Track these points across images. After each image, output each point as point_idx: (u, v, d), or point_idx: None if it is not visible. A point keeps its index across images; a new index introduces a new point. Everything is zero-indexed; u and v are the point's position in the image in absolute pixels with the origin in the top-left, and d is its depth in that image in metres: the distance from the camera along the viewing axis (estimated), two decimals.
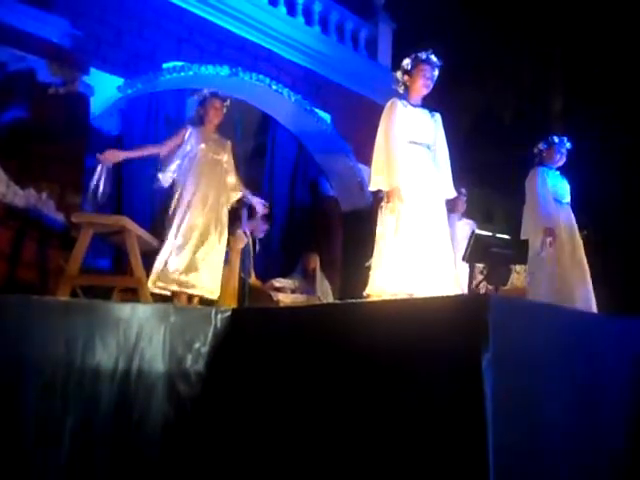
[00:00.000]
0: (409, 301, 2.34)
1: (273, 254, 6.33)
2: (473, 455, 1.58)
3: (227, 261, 4.19)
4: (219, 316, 2.45)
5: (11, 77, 4.33)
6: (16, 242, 4.11)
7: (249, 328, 2.48)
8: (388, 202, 3.14)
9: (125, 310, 2.32)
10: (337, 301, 4.88)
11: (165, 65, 5.32)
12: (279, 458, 2.12)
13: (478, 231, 4.61)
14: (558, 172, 4.42)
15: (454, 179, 3.45)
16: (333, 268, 6.51)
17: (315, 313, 2.36)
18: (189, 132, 3.98)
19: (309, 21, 6.45)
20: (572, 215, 4.33)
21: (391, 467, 1.78)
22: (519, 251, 4.04)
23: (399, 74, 3.42)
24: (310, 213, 6.74)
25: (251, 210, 4.35)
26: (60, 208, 4.34)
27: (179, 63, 5.40)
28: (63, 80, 4.57)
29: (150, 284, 3.66)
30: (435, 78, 3.38)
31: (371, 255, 3.20)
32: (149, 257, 4.18)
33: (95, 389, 2.18)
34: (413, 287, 3.03)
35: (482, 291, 4.47)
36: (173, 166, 3.90)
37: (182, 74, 5.41)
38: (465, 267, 4.59)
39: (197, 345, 2.39)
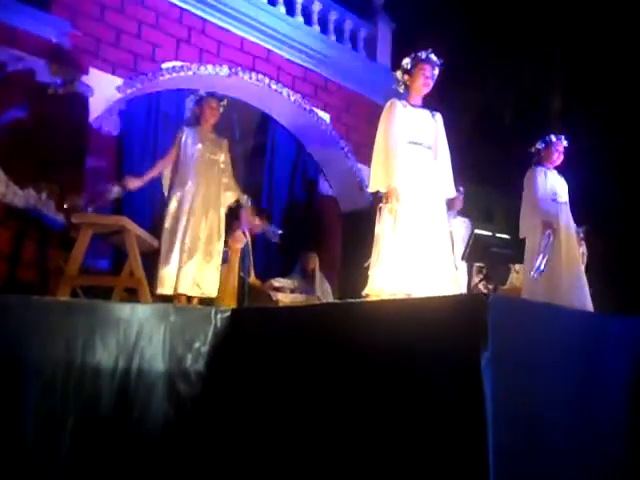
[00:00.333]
0: (408, 301, 2.35)
1: (272, 254, 6.33)
2: (473, 455, 1.59)
3: (226, 260, 4.19)
4: (219, 316, 2.45)
5: (10, 77, 4.33)
6: (16, 242, 4.12)
7: (249, 328, 2.48)
8: (386, 202, 3.14)
9: (125, 310, 2.33)
10: (336, 301, 4.88)
11: (164, 65, 5.32)
12: (279, 457, 2.12)
13: (477, 231, 4.61)
14: (556, 171, 4.42)
15: (454, 178, 3.46)
16: (332, 268, 6.51)
17: (314, 313, 2.36)
18: (185, 134, 3.99)
19: (308, 21, 6.44)
20: (569, 214, 4.33)
21: (391, 467, 1.78)
22: (518, 250, 4.04)
23: (399, 74, 3.42)
24: (309, 213, 6.74)
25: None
26: (60, 208, 4.34)
27: (178, 63, 5.40)
28: (62, 80, 4.58)
29: (168, 290, 3.73)
30: (435, 77, 3.37)
31: (370, 255, 3.20)
32: (149, 257, 4.19)
33: (95, 388, 2.19)
34: (412, 287, 3.03)
35: (481, 291, 4.47)
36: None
37: (181, 74, 5.41)
38: (464, 267, 4.61)
39: (197, 345, 2.40)
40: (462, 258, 4.52)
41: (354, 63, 6.76)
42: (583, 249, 4.41)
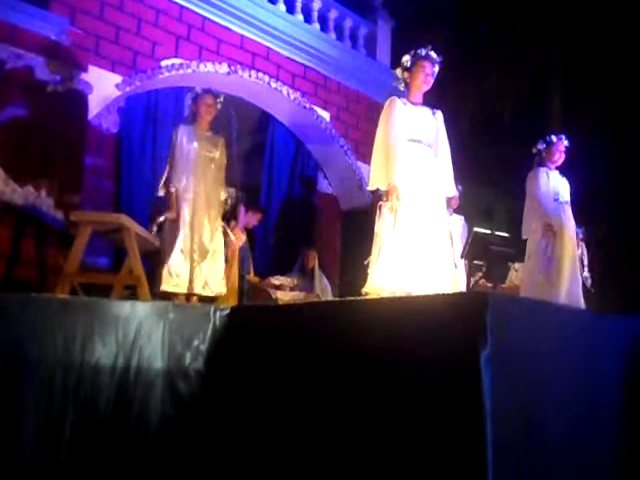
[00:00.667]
0: (407, 299, 2.34)
1: (272, 252, 6.33)
2: (471, 453, 1.59)
3: (225, 259, 4.20)
4: (218, 314, 2.45)
5: (9, 75, 4.32)
6: (15, 240, 4.11)
7: (248, 326, 2.48)
8: (386, 200, 3.14)
9: (124, 308, 2.32)
10: (336, 299, 4.88)
11: (164, 63, 5.31)
12: (278, 456, 2.12)
13: (477, 229, 4.62)
14: (558, 171, 4.43)
15: (453, 176, 3.45)
16: (332, 266, 6.52)
17: (314, 311, 2.36)
18: (180, 132, 3.99)
19: (308, 19, 6.44)
20: (571, 215, 4.34)
21: (389, 465, 1.78)
22: (517, 249, 4.04)
23: (399, 71, 3.42)
24: (309, 211, 6.74)
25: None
26: (59, 206, 4.34)
27: (178, 61, 5.40)
28: (61, 78, 4.57)
29: (172, 287, 3.75)
30: (435, 74, 3.37)
31: (369, 253, 3.20)
32: (149, 255, 4.19)
33: (94, 386, 2.19)
34: (411, 285, 3.03)
35: (480, 289, 4.48)
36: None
37: (181, 72, 5.40)
38: (463, 265, 4.61)
39: (196, 343, 2.40)
40: (461, 256, 4.53)
41: (354, 61, 6.76)
42: (582, 250, 4.41)
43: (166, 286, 3.76)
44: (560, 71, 8.13)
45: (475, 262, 4.66)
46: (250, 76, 5.84)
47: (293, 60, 6.28)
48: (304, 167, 6.77)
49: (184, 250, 3.81)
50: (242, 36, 5.89)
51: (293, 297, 5.20)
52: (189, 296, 3.86)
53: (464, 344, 1.66)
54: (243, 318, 2.51)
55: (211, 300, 3.91)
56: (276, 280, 5.43)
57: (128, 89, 5.06)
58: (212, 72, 5.58)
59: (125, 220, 3.49)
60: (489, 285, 4.51)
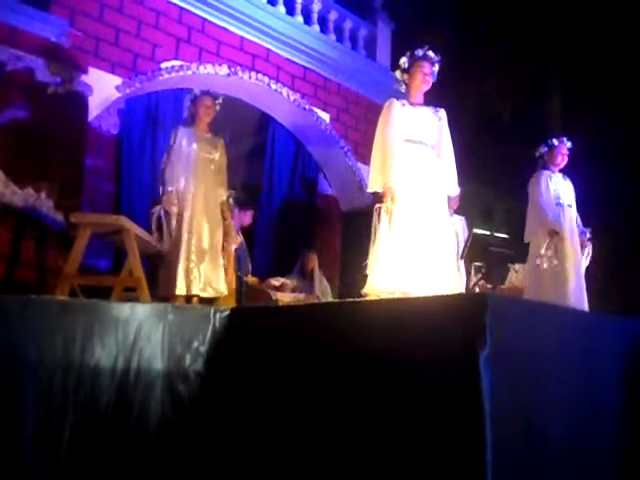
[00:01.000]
0: (407, 300, 2.35)
1: (272, 253, 6.33)
2: (471, 454, 1.59)
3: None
4: (218, 315, 2.45)
5: (10, 77, 4.33)
6: (14, 242, 4.11)
7: (248, 327, 2.48)
8: (383, 202, 3.15)
9: (124, 309, 2.32)
10: (336, 300, 4.88)
11: (164, 65, 5.32)
12: (278, 456, 2.12)
13: (476, 230, 4.62)
14: (561, 174, 4.43)
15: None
16: (332, 267, 6.52)
17: (314, 312, 2.36)
18: (179, 133, 4.00)
19: (308, 20, 6.44)
20: (574, 218, 4.34)
21: (390, 466, 1.78)
22: (517, 250, 4.05)
23: (398, 73, 3.42)
24: (309, 212, 6.74)
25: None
26: (59, 208, 4.34)
27: (178, 63, 5.40)
28: (62, 79, 4.57)
29: (180, 290, 3.75)
30: (435, 73, 3.37)
31: (369, 254, 3.20)
32: (149, 258, 4.19)
33: (94, 388, 2.18)
34: (409, 286, 3.03)
35: (480, 290, 4.48)
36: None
37: (181, 74, 5.41)
38: (462, 266, 4.61)
39: (196, 344, 2.40)
40: (460, 257, 4.53)
41: (354, 63, 6.76)
42: (589, 250, 4.40)
43: (179, 290, 3.79)
44: (560, 72, 8.14)
45: (474, 263, 4.67)
46: (250, 78, 5.85)
47: (293, 62, 6.28)
48: (304, 168, 6.78)
49: (188, 252, 3.81)
50: (242, 38, 5.89)
51: (293, 298, 5.20)
52: (189, 298, 3.86)
53: (463, 345, 1.66)
54: (243, 319, 2.52)
55: (210, 302, 3.91)
56: (276, 281, 5.43)
57: (128, 91, 5.06)
58: (212, 74, 5.59)
59: (125, 222, 3.49)
60: (488, 286, 4.51)
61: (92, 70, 4.83)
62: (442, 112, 3.40)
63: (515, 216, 4.45)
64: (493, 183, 7.24)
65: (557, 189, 4.32)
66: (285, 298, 5.13)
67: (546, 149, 4.44)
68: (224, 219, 4.03)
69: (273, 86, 6.03)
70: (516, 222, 4.42)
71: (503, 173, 6.76)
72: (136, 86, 5.11)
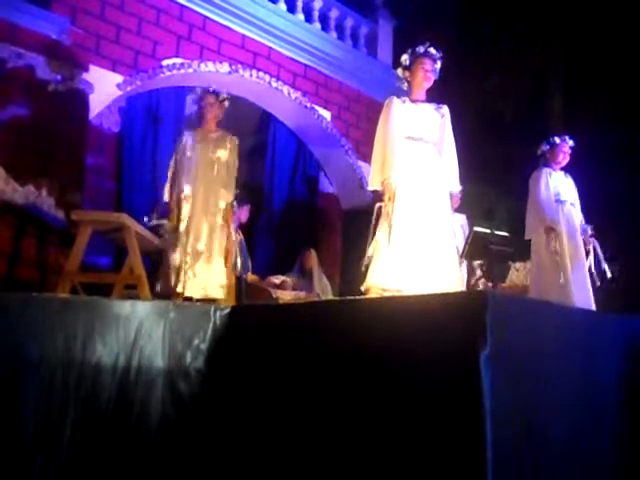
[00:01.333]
0: (407, 298, 2.34)
1: (273, 251, 6.33)
2: (471, 453, 1.59)
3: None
4: (218, 313, 2.45)
5: (10, 74, 4.33)
6: (15, 239, 4.11)
7: (248, 325, 2.48)
8: (382, 199, 3.16)
9: (125, 307, 2.32)
10: (336, 298, 4.88)
11: (165, 62, 5.32)
12: (279, 455, 2.12)
13: (477, 228, 4.62)
14: (562, 172, 4.43)
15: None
16: (333, 265, 6.52)
17: (314, 310, 2.36)
18: (183, 139, 3.98)
19: (309, 18, 6.44)
20: (575, 215, 4.33)
21: (389, 465, 1.78)
22: (517, 248, 4.04)
23: (400, 71, 3.41)
24: (310, 210, 6.75)
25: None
26: (60, 205, 4.34)
27: (179, 60, 5.40)
28: (62, 77, 4.57)
29: (190, 292, 3.74)
30: (437, 70, 3.36)
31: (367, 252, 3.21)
32: (150, 255, 4.20)
33: (95, 386, 2.19)
34: (409, 284, 3.03)
35: (480, 288, 4.48)
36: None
37: (182, 71, 5.41)
38: (463, 264, 4.60)
39: (196, 342, 2.40)
40: (461, 255, 4.53)
41: (355, 60, 6.75)
42: (595, 244, 4.37)
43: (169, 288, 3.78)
44: (562, 70, 8.12)
45: (475, 261, 4.67)
46: (251, 76, 5.85)
47: (294, 59, 6.28)
48: (305, 167, 6.78)
49: (184, 253, 3.80)
50: (243, 36, 5.89)
51: (293, 297, 5.20)
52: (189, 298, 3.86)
53: (464, 344, 1.66)
54: (243, 317, 2.52)
55: (211, 300, 3.90)
56: (276, 279, 5.43)
57: (129, 89, 5.07)
58: (213, 72, 5.59)
59: (126, 219, 3.49)
60: (489, 284, 4.52)
61: (93, 68, 4.83)
62: (445, 109, 3.38)
63: (516, 215, 4.45)
64: (494, 181, 7.23)
65: (557, 186, 4.32)
66: (285, 296, 5.13)
67: (548, 147, 4.44)
68: (226, 223, 3.90)
69: (274, 84, 6.02)
70: (517, 220, 4.41)
71: (504, 171, 6.76)
72: (137, 84, 5.11)
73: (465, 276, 4.60)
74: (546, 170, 4.35)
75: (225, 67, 5.66)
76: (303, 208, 6.66)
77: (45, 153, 4.37)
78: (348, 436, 1.91)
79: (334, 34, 6.65)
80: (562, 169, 4.43)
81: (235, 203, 4.00)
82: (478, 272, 4.73)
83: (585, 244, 4.28)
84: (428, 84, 3.37)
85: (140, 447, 2.22)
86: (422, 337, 1.80)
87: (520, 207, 4.45)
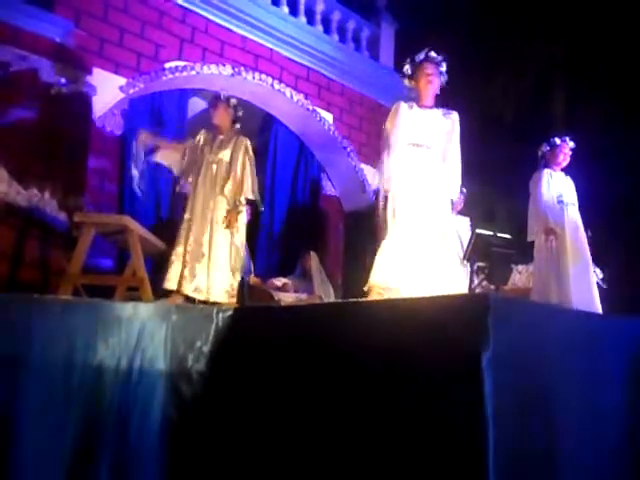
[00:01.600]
0: (409, 300, 2.34)
1: (275, 254, 6.34)
2: (473, 457, 1.58)
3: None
4: (220, 315, 2.45)
5: (14, 77, 4.34)
6: (18, 241, 4.12)
7: (250, 327, 2.48)
8: (384, 205, 3.19)
9: (127, 309, 2.33)
10: (338, 300, 4.88)
11: (167, 65, 5.33)
12: (281, 456, 2.12)
13: (479, 230, 4.62)
14: (562, 173, 4.43)
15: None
16: (334, 267, 6.52)
17: (316, 312, 2.36)
18: (198, 137, 4.04)
19: (311, 21, 6.45)
20: (577, 216, 4.33)
21: (391, 468, 1.78)
22: (520, 250, 4.04)
23: (406, 81, 3.43)
24: (312, 212, 6.75)
25: None
26: (62, 207, 4.35)
27: (181, 63, 5.41)
28: (66, 80, 4.59)
29: (187, 291, 3.74)
30: (442, 72, 3.36)
31: (372, 254, 3.23)
32: (154, 257, 4.21)
33: (97, 388, 2.19)
34: (410, 286, 3.05)
35: (482, 290, 4.47)
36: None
37: (184, 74, 5.42)
38: (466, 266, 4.59)
39: (199, 344, 2.40)
40: (463, 258, 4.53)
41: (357, 63, 6.76)
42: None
43: (167, 284, 3.78)
44: (565, 72, 8.12)
45: (477, 264, 4.66)
46: (253, 78, 5.86)
47: (296, 62, 6.29)
48: (307, 169, 6.78)
49: (184, 254, 3.80)
50: (245, 38, 5.90)
51: (295, 299, 5.20)
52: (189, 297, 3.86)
53: (466, 346, 1.66)
54: (245, 319, 2.52)
55: (213, 302, 3.90)
56: (278, 281, 5.43)
57: (132, 91, 5.08)
58: (216, 74, 5.60)
59: (128, 222, 3.50)
60: (491, 287, 4.51)
61: (96, 70, 4.84)
62: (454, 115, 3.37)
63: (518, 217, 4.45)
64: (496, 183, 7.23)
65: (558, 187, 4.32)
66: (287, 298, 5.13)
67: (548, 148, 4.44)
68: (229, 224, 3.84)
69: (276, 86, 6.03)
70: (519, 223, 4.42)
71: (506, 173, 6.74)
72: (140, 86, 5.12)
73: (467, 278, 4.60)
74: (547, 171, 4.35)
75: (227, 69, 5.67)
76: (305, 210, 6.66)
77: (48, 156, 4.39)
78: (351, 438, 1.91)
79: (336, 37, 6.66)
80: (562, 170, 4.43)
81: (242, 202, 3.90)
82: (480, 275, 4.72)
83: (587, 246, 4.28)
84: (433, 88, 3.36)
85: (142, 448, 2.22)
86: (424, 339, 1.80)
87: (522, 209, 4.45)
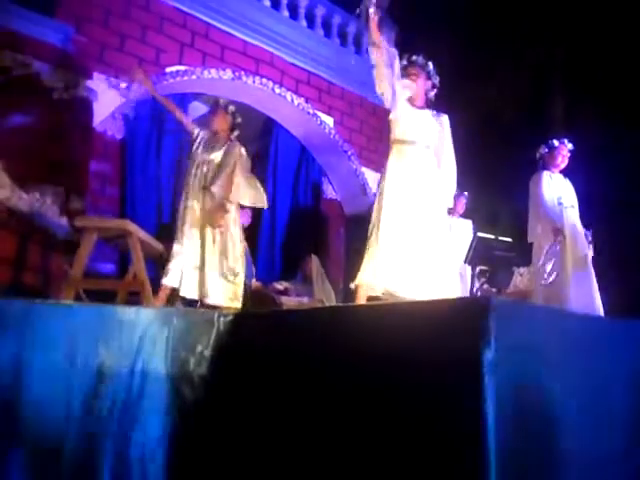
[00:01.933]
0: (410, 304, 2.34)
1: (275, 258, 6.34)
2: (475, 461, 1.58)
3: None
4: (222, 319, 2.45)
5: (15, 82, 4.35)
6: (20, 246, 4.13)
7: (252, 331, 2.48)
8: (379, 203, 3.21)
9: (128, 313, 2.33)
10: (339, 304, 4.88)
11: (168, 69, 5.34)
12: (281, 462, 2.12)
13: (480, 234, 4.62)
14: (561, 175, 4.42)
15: (458, 180, 3.43)
16: (336, 271, 6.52)
17: (318, 316, 2.36)
18: (198, 136, 4.04)
19: (312, 25, 6.46)
20: (577, 219, 4.32)
21: (390, 471, 1.78)
22: (521, 254, 4.04)
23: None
24: (313, 216, 6.75)
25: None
26: (64, 212, 4.36)
27: (182, 67, 5.43)
28: (67, 85, 4.60)
29: (184, 292, 3.73)
30: (429, 73, 3.38)
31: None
32: (156, 261, 4.21)
33: (98, 392, 2.19)
34: (396, 286, 3.04)
35: (484, 294, 4.46)
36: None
37: (185, 78, 5.43)
38: (467, 270, 4.59)
39: (200, 348, 2.39)
40: (465, 261, 4.53)
41: (357, 67, 6.77)
42: (591, 252, 4.39)
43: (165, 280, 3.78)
44: (564, 74, 8.13)
45: (479, 267, 4.66)
46: (254, 82, 5.87)
47: (297, 66, 6.30)
48: (308, 172, 6.79)
49: (178, 251, 3.80)
50: (246, 42, 5.92)
51: (297, 303, 5.21)
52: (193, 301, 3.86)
53: (467, 350, 1.66)
54: (247, 324, 2.51)
55: (215, 306, 3.90)
56: (280, 285, 5.43)
57: (133, 96, 5.09)
58: (216, 78, 5.61)
59: (130, 226, 3.51)
60: (493, 290, 4.51)
61: (97, 75, 4.86)
62: (444, 118, 3.37)
63: (520, 220, 4.45)
64: (497, 186, 7.23)
65: (559, 189, 4.31)
66: (289, 302, 5.13)
67: (546, 150, 4.44)
68: (218, 224, 3.78)
69: (277, 90, 6.04)
70: (521, 226, 4.41)
71: (507, 176, 6.75)
72: (141, 91, 5.13)
73: (469, 282, 4.60)
74: (546, 173, 4.35)
75: (228, 74, 5.68)
76: (306, 214, 6.66)
77: (50, 160, 4.40)
78: (352, 443, 1.90)
79: (337, 40, 6.68)
80: (561, 172, 4.43)
81: (229, 206, 3.83)
82: (482, 278, 4.72)
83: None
84: (419, 89, 3.36)
85: (144, 453, 2.22)
86: (425, 343, 1.80)
87: (523, 212, 4.45)
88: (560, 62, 8.13)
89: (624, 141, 7.15)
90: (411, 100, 3.38)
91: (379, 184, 3.35)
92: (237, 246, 3.93)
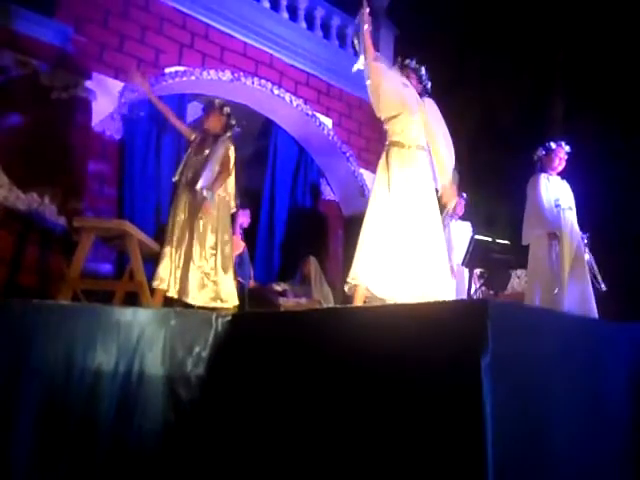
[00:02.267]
0: (407, 306, 2.35)
1: (274, 259, 6.34)
2: (472, 462, 1.58)
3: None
4: (219, 320, 2.45)
5: (14, 81, 4.35)
6: (18, 246, 4.13)
7: (249, 332, 2.48)
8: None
9: (126, 314, 2.33)
10: (338, 305, 4.88)
11: (167, 70, 5.34)
12: (279, 462, 2.12)
13: (477, 236, 4.63)
14: (558, 177, 4.43)
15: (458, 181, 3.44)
16: (334, 272, 6.52)
17: (316, 317, 2.36)
18: (196, 139, 4.05)
19: (311, 26, 6.47)
20: (574, 220, 4.32)
21: (390, 473, 1.78)
22: (518, 256, 4.05)
23: None
24: (311, 217, 6.75)
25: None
26: (62, 212, 4.35)
27: (181, 68, 5.43)
28: (66, 85, 4.60)
29: (172, 293, 3.72)
30: (420, 77, 3.42)
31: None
32: (153, 262, 4.20)
33: (96, 393, 2.19)
34: (394, 290, 3.04)
35: (482, 296, 4.47)
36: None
37: (184, 79, 5.43)
38: (465, 272, 4.60)
39: (197, 349, 2.40)
40: (462, 264, 4.54)
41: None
42: (588, 256, 4.39)
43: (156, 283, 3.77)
44: (563, 77, 8.15)
45: (476, 270, 4.67)
46: (253, 83, 5.87)
47: (296, 67, 6.31)
48: (307, 174, 6.79)
49: (167, 252, 3.79)
50: (245, 43, 5.92)
51: (295, 304, 5.21)
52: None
53: (465, 352, 1.66)
54: (244, 325, 2.52)
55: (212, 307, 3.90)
56: (278, 286, 5.44)
57: (131, 96, 5.09)
58: (215, 79, 5.61)
59: (128, 226, 3.50)
60: (490, 292, 4.51)
61: (96, 75, 4.85)
62: (427, 100, 3.43)
63: (517, 222, 4.44)
64: (495, 189, 7.24)
65: (556, 191, 4.31)
66: (287, 303, 5.13)
67: (544, 152, 4.44)
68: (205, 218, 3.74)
69: (276, 92, 6.05)
70: (518, 228, 4.41)
71: (505, 179, 6.76)
72: (139, 91, 5.13)
73: (466, 285, 4.61)
74: (544, 175, 4.35)
75: (227, 75, 5.68)
76: (304, 215, 6.66)
77: (48, 160, 4.39)
78: (349, 443, 1.90)
79: (336, 42, 6.68)
80: (558, 174, 4.43)
81: (209, 195, 3.77)
82: (479, 280, 4.73)
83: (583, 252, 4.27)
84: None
85: (141, 453, 2.22)
86: (423, 345, 1.80)
87: (520, 214, 4.45)
88: (559, 66, 8.15)
89: (622, 145, 7.17)
90: None
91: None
92: (229, 241, 3.90)
